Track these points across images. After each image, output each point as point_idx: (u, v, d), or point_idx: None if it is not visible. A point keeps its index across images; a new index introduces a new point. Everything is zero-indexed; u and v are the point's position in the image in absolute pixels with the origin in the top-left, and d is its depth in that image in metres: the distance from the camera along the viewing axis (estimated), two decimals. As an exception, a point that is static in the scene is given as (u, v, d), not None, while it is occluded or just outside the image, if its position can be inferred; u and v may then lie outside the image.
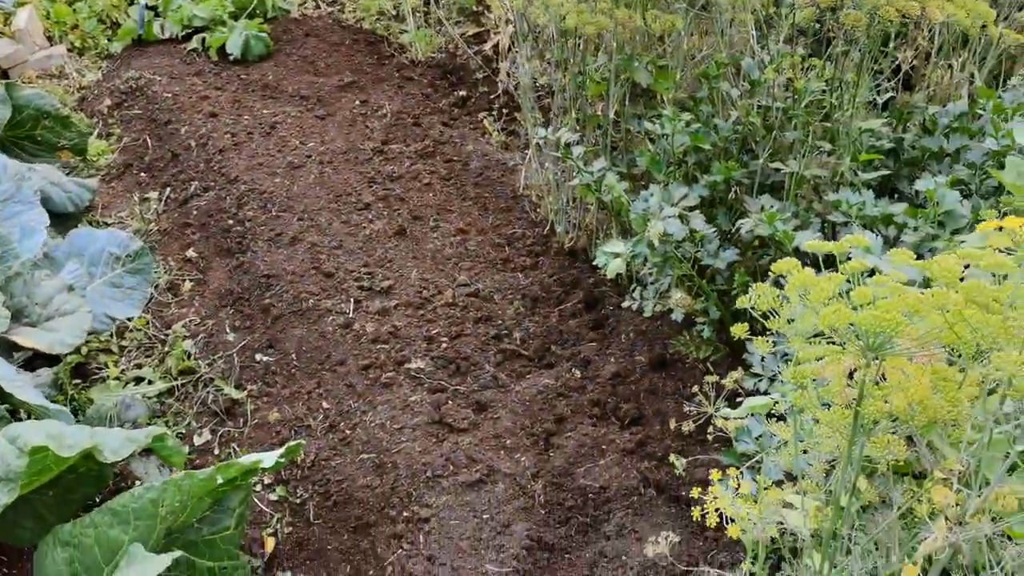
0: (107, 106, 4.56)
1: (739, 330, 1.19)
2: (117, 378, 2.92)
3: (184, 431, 2.73)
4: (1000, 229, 0.95)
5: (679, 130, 2.56)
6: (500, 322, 2.99)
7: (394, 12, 5.31)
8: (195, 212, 3.68)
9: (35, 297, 2.40)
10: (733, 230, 2.64)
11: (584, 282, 3.16)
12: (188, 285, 3.35)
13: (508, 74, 4.54)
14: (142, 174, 4.07)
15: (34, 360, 2.65)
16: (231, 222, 3.55)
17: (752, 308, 1.16)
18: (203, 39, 5.00)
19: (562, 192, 3.32)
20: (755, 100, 2.73)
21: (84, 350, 3.00)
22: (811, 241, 1.25)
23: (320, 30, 5.19)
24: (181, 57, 4.95)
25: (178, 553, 1.75)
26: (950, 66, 3.00)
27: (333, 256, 3.33)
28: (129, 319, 2.97)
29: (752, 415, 1.85)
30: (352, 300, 3.09)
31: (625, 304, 2.49)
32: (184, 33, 5.12)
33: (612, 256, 2.31)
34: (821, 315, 1.02)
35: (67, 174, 4.10)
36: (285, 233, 3.44)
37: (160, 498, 1.79)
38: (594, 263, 3.26)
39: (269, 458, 2.01)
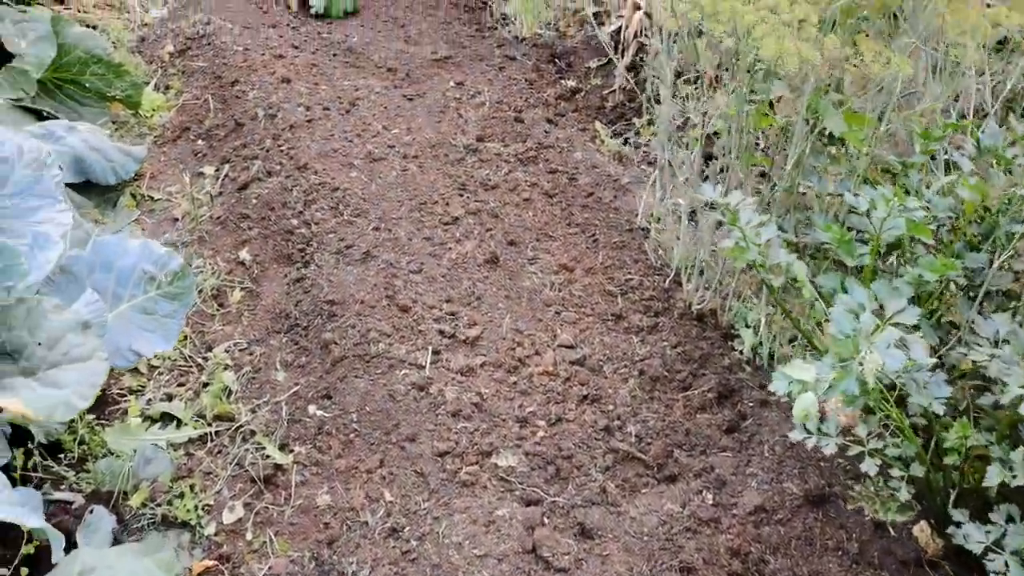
0: (168, 52, 3.99)
1: None
2: (140, 415, 2.40)
3: (212, 502, 2.21)
4: None
5: (895, 214, 1.91)
6: (611, 407, 2.40)
7: (501, -25, 4.64)
8: (255, 201, 3.12)
9: (39, 333, 1.86)
10: (945, 352, 2.01)
11: (715, 360, 2.55)
12: (237, 295, 2.80)
13: (629, 68, 3.88)
14: (199, 141, 3.52)
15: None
16: (295, 222, 2.98)
17: None
18: (284, -16, 4.41)
19: (699, 242, 2.69)
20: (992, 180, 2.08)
21: (105, 368, 2.48)
22: None
23: (415, -12, 4.56)
24: (257, 2, 4.36)
25: None
26: None
27: (411, 284, 2.75)
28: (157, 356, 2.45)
29: None
30: (430, 349, 2.52)
31: (795, 436, 1.88)
32: (264, -26, 4.54)
33: (799, 385, 1.70)
34: None
35: (116, 129, 3.57)
36: (357, 245, 2.86)
37: None
38: (727, 334, 2.65)
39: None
